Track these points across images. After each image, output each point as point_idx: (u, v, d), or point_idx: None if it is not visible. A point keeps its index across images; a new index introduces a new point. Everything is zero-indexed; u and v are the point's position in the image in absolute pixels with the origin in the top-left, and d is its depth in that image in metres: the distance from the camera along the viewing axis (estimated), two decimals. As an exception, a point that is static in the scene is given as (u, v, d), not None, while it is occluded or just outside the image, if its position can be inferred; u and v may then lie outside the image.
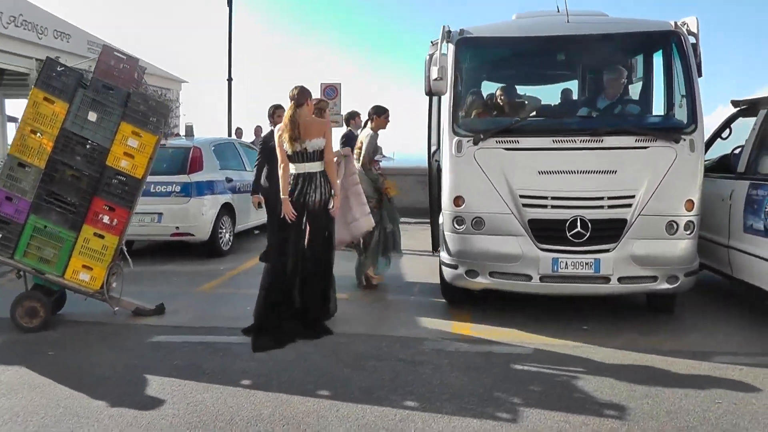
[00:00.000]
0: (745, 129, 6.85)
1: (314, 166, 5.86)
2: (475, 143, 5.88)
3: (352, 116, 9.64)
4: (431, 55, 6.07)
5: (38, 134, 5.85)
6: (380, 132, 7.69)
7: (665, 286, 5.81)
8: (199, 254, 9.69)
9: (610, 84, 6.49)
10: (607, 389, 4.48)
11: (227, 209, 10.02)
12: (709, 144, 7.42)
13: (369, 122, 7.73)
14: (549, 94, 7.34)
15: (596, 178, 5.74)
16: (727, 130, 7.44)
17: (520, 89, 6.97)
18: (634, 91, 6.89)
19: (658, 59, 6.58)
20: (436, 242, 6.91)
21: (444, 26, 6.08)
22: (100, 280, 6.01)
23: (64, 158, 5.89)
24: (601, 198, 5.72)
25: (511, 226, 5.81)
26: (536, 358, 5.16)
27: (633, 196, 5.71)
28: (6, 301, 5.97)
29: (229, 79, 20.62)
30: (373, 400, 4.27)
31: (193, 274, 8.62)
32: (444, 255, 6.25)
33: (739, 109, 7.21)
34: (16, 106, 20.67)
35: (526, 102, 6.81)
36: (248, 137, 16.56)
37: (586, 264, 5.72)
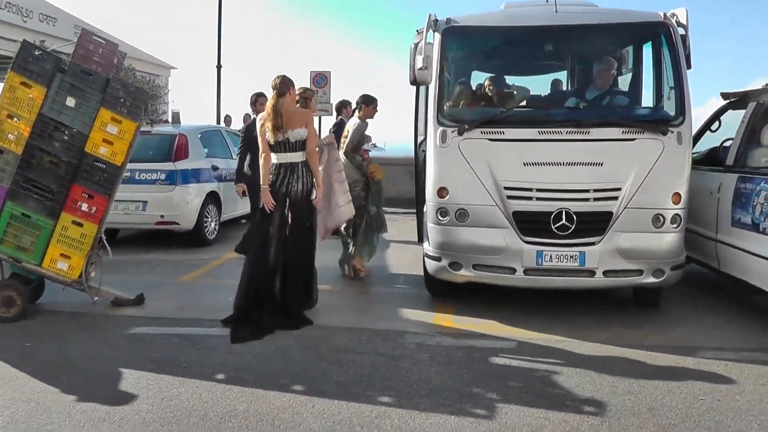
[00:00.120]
0: (735, 121, 6.79)
1: (296, 156, 5.80)
2: (460, 134, 5.80)
3: (344, 105, 9.58)
4: (416, 44, 5.98)
5: (15, 119, 5.74)
6: (370, 121, 7.63)
7: (651, 279, 5.75)
8: (184, 243, 9.59)
9: (599, 75, 6.40)
10: (589, 385, 4.42)
11: (213, 198, 9.92)
12: (698, 136, 7.37)
13: (357, 111, 7.66)
14: (539, 85, 7.26)
15: (582, 171, 5.67)
16: (717, 123, 7.38)
17: (509, 80, 6.88)
18: (624, 82, 6.82)
19: (647, 50, 6.52)
20: (423, 233, 6.83)
21: (430, 15, 5.98)
22: (79, 269, 5.92)
23: (41, 144, 5.78)
24: (587, 190, 5.65)
25: (496, 218, 5.73)
26: (519, 352, 5.10)
27: (619, 189, 5.64)
28: (-18, 291, 5.84)
29: (218, 66, 20.48)
30: (350, 395, 4.20)
31: (177, 263, 8.53)
32: (427, 247, 6.18)
33: (728, 101, 7.14)
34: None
35: (515, 93, 6.73)
36: (237, 125, 16.43)
37: (571, 257, 5.65)
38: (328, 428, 3.78)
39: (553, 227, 5.63)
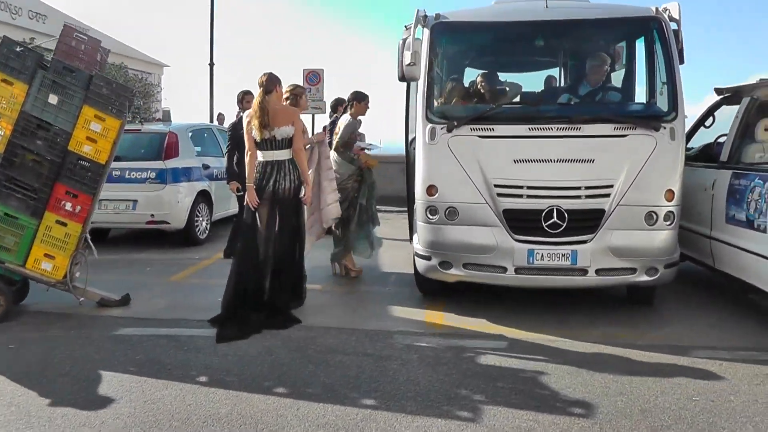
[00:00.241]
0: (729, 117, 6.72)
1: (283, 154, 5.76)
2: (449, 130, 5.71)
3: (339, 103, 9.49)
4: (404, 40, 5.90)
5: (-4, 117, 5.64)
6: (363, 118, 7.54)
7: (644, 278, 5.67)
8: (175, 242, 9.49)
9: (591, 71, 6.32)
10: (581, 385, 4.34)
11: (204, 197, 9.80)
12: (692, 132, 7.30)
13: (349, 108, 7.57)
14: (533, 82, 7.19)
15: (573, 167, 5.58)
16: (711, 119, 7.31)
17: (501, 76, 6.80)
18: (617, 78, 6.73)
19: (639, 46, 6.44)
20: (413, 231, 6.75)
21: (418, 10, 5.90)
22: (63, 270, 5.84)
23: (23, 142, 5.68)
24: (579, 188, 5.56)
25: (486, 217, 5.65)
26: (509, 352, 5.02)
27: (611, 186, 5.55)
28: (-36, 292, 5.75)
29: (211, 64, 20.39)
30: (336, 398, 4.11)
31: (168, 263, 8.43)
32: (417, 246, 6.09)
33: (722, 96, 7.07)
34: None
35: (507, 89, 6.65)
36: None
37: (563, 255, 5.57)
38: (312, 432, 3.70)
39: (544, 225, 5.55)
